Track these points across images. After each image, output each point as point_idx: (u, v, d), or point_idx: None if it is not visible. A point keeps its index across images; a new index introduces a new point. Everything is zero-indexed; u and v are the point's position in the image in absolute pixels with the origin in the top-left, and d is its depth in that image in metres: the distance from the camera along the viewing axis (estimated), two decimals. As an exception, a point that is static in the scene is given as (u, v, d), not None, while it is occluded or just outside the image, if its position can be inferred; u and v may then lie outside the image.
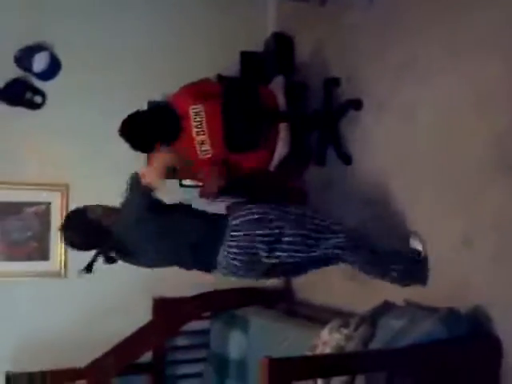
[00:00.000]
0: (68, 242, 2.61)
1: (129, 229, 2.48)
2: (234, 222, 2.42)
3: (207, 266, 2.51)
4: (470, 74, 2.34)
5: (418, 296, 2.46)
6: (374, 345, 2.19)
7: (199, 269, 2.59)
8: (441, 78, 2.50)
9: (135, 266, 2.66)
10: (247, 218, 2.41)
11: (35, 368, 3.23)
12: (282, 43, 3.58)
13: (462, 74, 2.39)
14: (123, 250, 2.53)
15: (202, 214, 2.53)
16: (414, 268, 2.45)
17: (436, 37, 2.54)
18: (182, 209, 2.57)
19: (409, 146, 2.69)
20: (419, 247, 2.49)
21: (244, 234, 2.38)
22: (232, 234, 2.40)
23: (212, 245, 2.42)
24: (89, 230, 2.53)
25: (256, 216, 2.41)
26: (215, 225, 2.45)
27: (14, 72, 3.41)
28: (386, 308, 2.39)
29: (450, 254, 2.39)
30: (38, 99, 3.46)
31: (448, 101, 2.46)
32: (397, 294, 2.52)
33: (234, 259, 2.41)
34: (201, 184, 3.22)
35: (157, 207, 2.49)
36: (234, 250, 2.39)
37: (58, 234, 3.38)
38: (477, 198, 2.30)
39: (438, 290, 2.38)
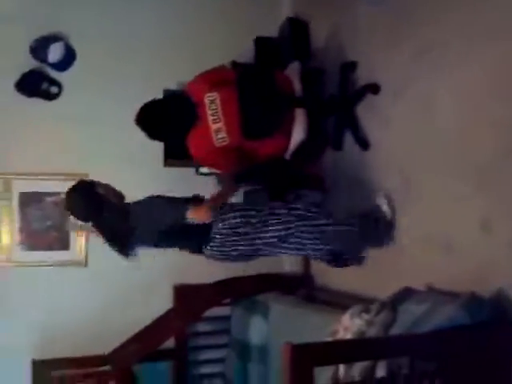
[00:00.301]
0: (70, 206, 2.73)
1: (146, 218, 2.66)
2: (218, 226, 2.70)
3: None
4: (488, 61, 2.30)
5: (440, 281, 2.45)
6: (395, 330, 2.19)
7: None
8: (458, 64, 2.45)
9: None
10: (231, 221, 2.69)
11: (58, 355, 3.29)
12: (297, 28, 3.53)
13: (479, 61, 2.34)
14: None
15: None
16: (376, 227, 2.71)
17: (453, 23, 2.49)
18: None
19: (426, 131, 2.65)
20: (383, 207, 2.71)
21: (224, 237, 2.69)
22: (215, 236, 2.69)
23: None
24: (94, 201, 2.67)
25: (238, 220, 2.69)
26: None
27: (30, 63, 3.43)
28: (407, 293, 2.38)
29: (470, 239, 2.36)
30: (54, 89, 3.48)
31: (465, 87, 2.41)
32: (417, 279, 2.51)
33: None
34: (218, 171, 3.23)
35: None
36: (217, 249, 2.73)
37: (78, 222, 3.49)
38: (496, 183, 2.27)
39: (459, 275, 2.37)
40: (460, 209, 2.42)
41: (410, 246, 2.69)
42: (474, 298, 2.06)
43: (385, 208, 2.79)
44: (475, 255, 2.31)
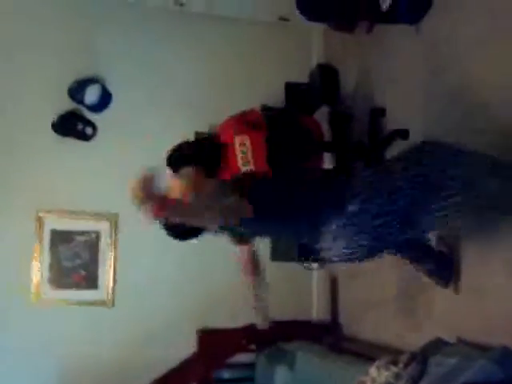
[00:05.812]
0: None
1: None
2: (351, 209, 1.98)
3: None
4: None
5: (471, 332, 2.35)
6: (424, 383, 2.09)
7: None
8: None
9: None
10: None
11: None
12: (327, 75, 3.57)
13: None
14: None
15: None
16: (441, 266, 2.48)
17: (492, 55, 2.44)
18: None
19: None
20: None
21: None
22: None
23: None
24: None
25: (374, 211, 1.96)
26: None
27: (68, 104, 3.53)
28: (438, 345, 2.29)
29: (505, 286, 2.26)
30: (89, 130, 3.56)
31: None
32: (447, 329, 2.42)
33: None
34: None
35: None
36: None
37: (107, 263, 3.51)
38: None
39: (492, 326, 2.27)
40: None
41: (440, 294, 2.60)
42: (507, 352, 1.96)
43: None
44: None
